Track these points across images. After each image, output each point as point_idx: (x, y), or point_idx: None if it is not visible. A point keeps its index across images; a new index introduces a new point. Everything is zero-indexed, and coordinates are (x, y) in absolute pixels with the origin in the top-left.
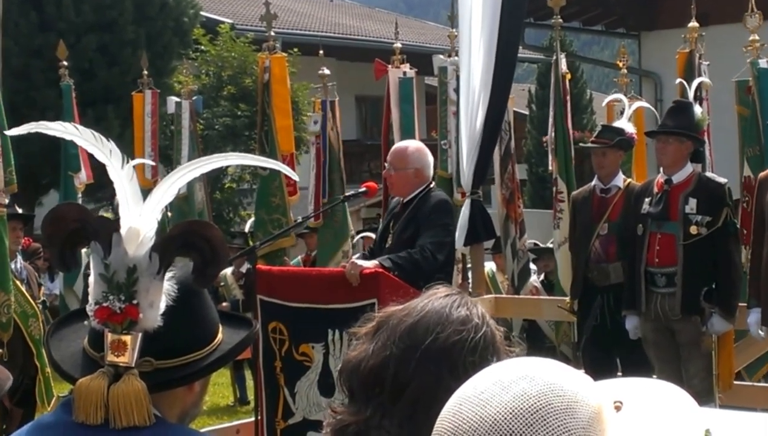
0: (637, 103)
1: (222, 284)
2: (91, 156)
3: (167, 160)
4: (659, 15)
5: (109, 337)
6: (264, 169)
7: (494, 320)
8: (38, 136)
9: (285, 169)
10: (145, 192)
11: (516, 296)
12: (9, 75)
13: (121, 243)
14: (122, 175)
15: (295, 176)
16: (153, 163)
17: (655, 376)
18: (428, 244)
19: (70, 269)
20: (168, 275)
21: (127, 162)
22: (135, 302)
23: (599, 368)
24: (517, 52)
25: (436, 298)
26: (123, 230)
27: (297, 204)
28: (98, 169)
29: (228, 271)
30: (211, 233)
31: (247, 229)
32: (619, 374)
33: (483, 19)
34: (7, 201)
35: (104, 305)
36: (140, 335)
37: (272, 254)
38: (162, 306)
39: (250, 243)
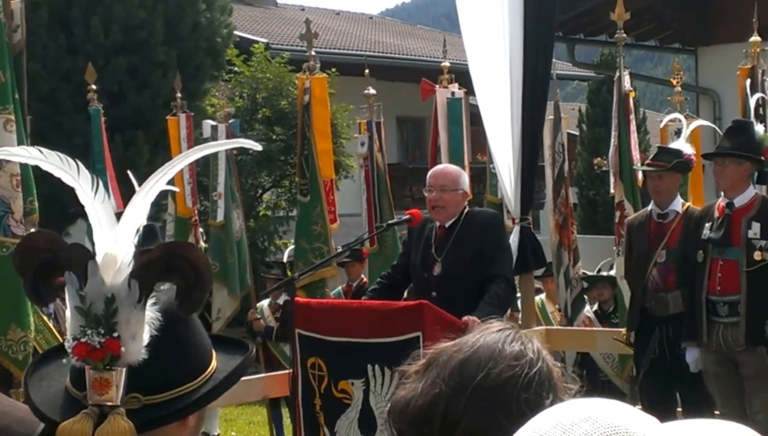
0: (696, 123)
1: (258, 316)
2: (119, 183)
3: (200, 187)
4: (717, 29)
5: (91, 375)
6: (305, 194)
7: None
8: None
9: (245, 142)
10: (185, 220)
11: (568, 328)
12: (36, 100)
13: (97, 272)
14: (93, 198)
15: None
16: (177, 190)
17: (717, 411)
18: (505, 272)
19: (46, 303)
20: (150, 302)
21: (97, 184)
22: (116, 334)
23: (658, 404)
24: (551, 68)
25: (488, 333)
26: (99, 258)
27: (337, 232)
28: (128, 197)
29: (265, 303)
30: (193, 254)
31: (285, 258)
32: (679, 409)
33: (504, 34)
34: (33, 230)
35: (83, 340)
36: (124, 370)
37: (313, 285)
38: (146, 337)
39: (289, 273)
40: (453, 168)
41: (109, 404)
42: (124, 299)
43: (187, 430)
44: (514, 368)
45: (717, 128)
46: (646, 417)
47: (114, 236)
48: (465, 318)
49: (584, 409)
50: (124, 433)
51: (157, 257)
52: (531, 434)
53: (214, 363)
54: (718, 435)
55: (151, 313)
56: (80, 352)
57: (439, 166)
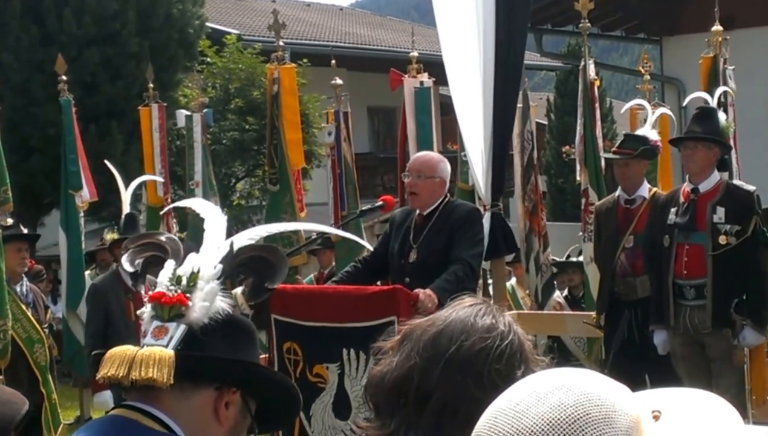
0: (661, 110)
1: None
2: (93, 173)
3: (174, 176)
4: (682, 19)
5: (155, 325)
6: (274, 184)
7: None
8: (39, 154)
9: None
10: (157, 209)
11: (539, 312)
12: (9, 91)
13: (193, 260)
14: (218, 223)
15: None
16: (162, 181)
17: None
18: (468, 257)
19: (135, 280)
20: (229, 299)
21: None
22: (188, 295)
23: (627, 385)
24: (523, 59)
25: (461, 307)
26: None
27: (308, 220)
28: (102, 187)
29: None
30: (276, 256)
31: None
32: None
33: (478, 25)
34: (11, 221)
35: (161, 290)
36: (182, 328)
37: None
38: (212, 309)
39: None
40: (433, 155)
41: (159, 347)
42: (206, 273)
43: (222, 429)
44: (485, 340)
45: (673, 116)
46: (618, 386)
47: (218, 245)
48: (416, 291)
49: (558, 378)
50: (162, 353)
51: (246, 256)
52: (507, 402)
53: None
54: (684, 401)
55: (225, 298)
56: (155, 296)
57: (421, 153)
